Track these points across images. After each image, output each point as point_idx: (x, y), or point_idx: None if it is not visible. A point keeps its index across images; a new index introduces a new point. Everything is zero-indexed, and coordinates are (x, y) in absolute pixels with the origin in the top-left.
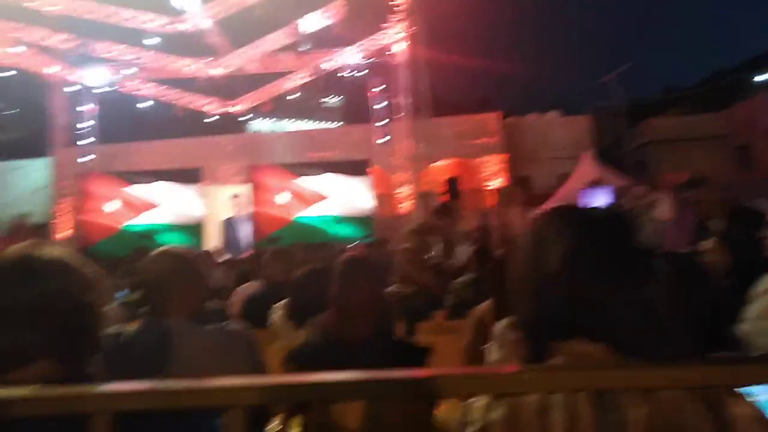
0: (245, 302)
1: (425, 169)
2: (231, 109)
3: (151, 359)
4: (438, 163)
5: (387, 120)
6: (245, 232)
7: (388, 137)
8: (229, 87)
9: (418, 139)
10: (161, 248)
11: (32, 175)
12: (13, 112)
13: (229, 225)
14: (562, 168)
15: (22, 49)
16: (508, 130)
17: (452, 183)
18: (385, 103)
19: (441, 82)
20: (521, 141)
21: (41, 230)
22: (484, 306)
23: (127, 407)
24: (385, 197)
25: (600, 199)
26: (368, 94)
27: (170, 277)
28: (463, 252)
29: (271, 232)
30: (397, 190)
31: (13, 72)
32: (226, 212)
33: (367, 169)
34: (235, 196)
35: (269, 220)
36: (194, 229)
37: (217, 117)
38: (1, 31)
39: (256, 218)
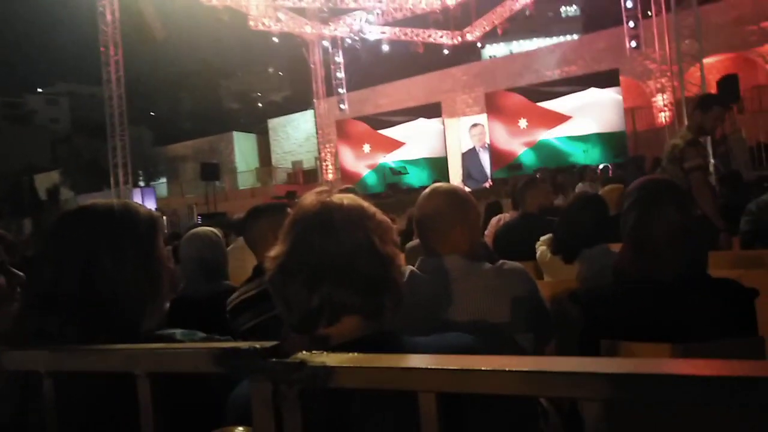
0: (498, 235)
1: (688, 71)
2: (465, 38)
3: (430, 301)
4: (707, 61)
5: (637, 20)
6: (485, 162)
7: (638, 42)
8: (462, 15)
9: (680, 34)
10: (432, 186)
11: (302, 126)
12: (281, 73)
13: (469, 156)
14: None
15: (283, 16)
16: None
17: (727, 83)
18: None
19: None
20: None
21: (312, 175)
22: None
23: (455, 389)
24: (638, 110)
25: None
26: None
27: (444, 214)
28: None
29: (511, 160)
30: (653, 99)
31: (281, 39)
32: (466, 143)
33: (618, 79)
34: (474, 126)
35: (508, 147)
36: (438, 163)
37: (451, 48)
38: (266, 4)
39: (494, 146)
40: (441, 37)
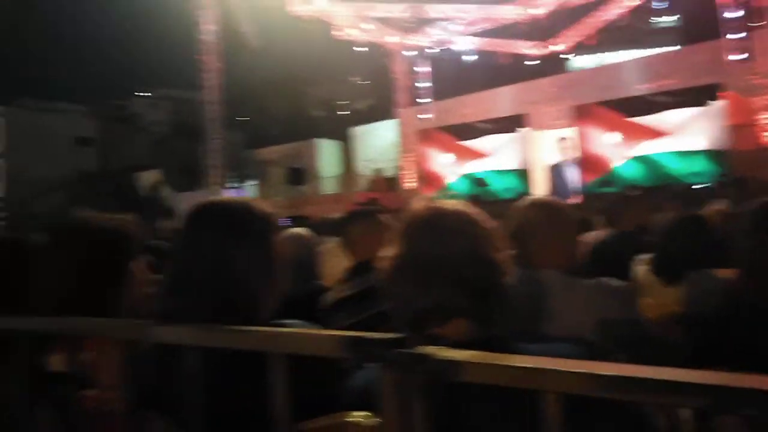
0: (593, 252)
1: None
2: (553, 48)
3: (526, 314)
4: None
5: (741, 31)
6: (573, 176)
7: (743, 55)
8: (550, 26)
9: None
10: (528, 198)
11: (384, 135)
12: (365, 82)
13: (556, 169)
14: None
15: (370, 26)
16: None
17: None
18: (741, 11)
19: None
20: None
21: (393, 183)
22: None
23: (577, 391)
24: (741, 127)
25: None
26: (717, 2)
27: (541, 227)
28: None
29: (601, 175)
30: (758, 117)
31: (365, 48)
32: (553, 156)
33: (718, 94)
34: (562, 139)
35: (599, 162)
36: (523, 175)
37: (538, 60)
38: (354, 13)
39: (584, 161)
40: (527, 47)
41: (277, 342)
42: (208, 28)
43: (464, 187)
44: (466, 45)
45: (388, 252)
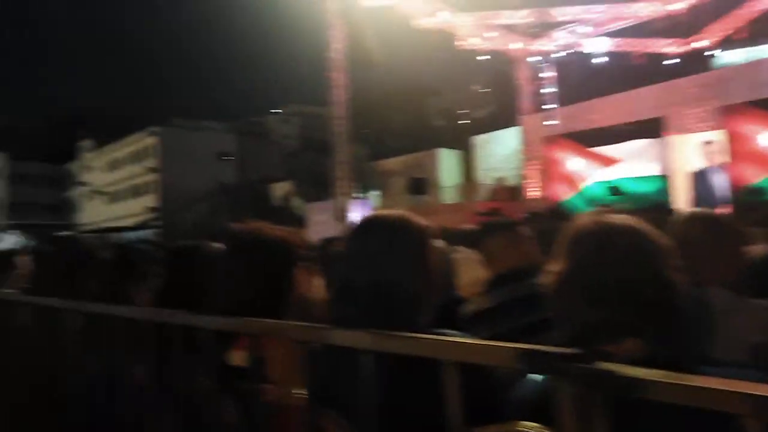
0: (758, 268)
1: None
2: (695, 45)
3: (693, 335)
4: None
5: None
6: (719, 184)
7: None
8: (690, 21)
9: None
10: (690, 211)
11: (507, 143)
12: (486, 90)
13: (700, 176)
14: None
15: (493, 34)
16: None
17: None
18: None
19: None
20: None
21: (515, 191)
22: None
23: None
24: None
25: None
26: None
27: (705, 242)
28: None
29: (754, 182)
30: None
31: (487, 57)
32: (696, 162)
33: None
34: (707, 143)
35: (750, 168)
36: (661, 183)
37: (678, 58)
38: (478, 22)
39: (732, 167)
40: (666, 46)
41: (449, 350)
42: (336, 47)
43: (597, 195)
44: (596, 47)
45: (552, 266)
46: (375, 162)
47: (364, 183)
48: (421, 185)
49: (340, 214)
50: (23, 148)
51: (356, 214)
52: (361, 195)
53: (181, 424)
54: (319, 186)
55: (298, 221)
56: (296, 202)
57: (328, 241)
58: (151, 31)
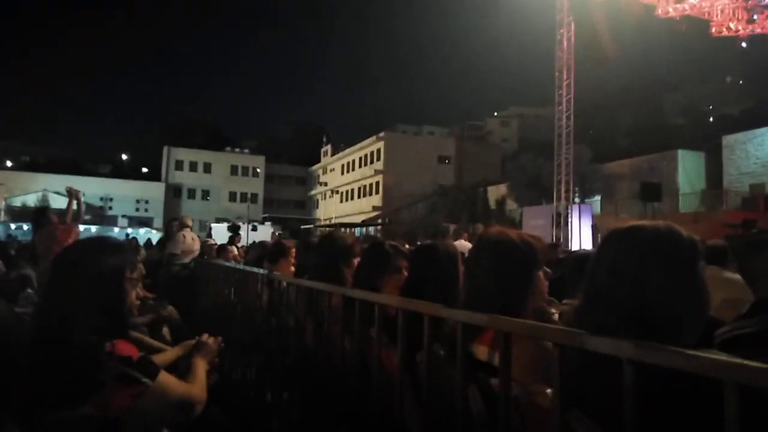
0: None
1: None
2: None
3: None
4: None
5: None
6: None
7: None
8: None
9: None
10: None
11: (765, 144)
12: (741, 82)
13: None
14: None
15: (757, 16)
16: None
17: None
18: None
19: None
20: None
21: None
22: None
23: None
24: None
25: None
26: None
27: None
28: None
29: None
30: None
31: (744, 44)
32: None
33: None
34: None
35: None
36: None
37: None
38: (735, 6)
39: None
40: None
41: (729, 371)
42: (565, 46)
43: None
44: None
45: None
46: (599, 165)
47: (584, 187)
48: (653, 190)
49: (558, 219)
50: (277, 152)
51: (576, 219)
52: (578, 200)
53: (430, 411)
54: (535, 189)
55: (512, 225)
56: (511, 206)
57: (553, 246)
58: (390, 42)
